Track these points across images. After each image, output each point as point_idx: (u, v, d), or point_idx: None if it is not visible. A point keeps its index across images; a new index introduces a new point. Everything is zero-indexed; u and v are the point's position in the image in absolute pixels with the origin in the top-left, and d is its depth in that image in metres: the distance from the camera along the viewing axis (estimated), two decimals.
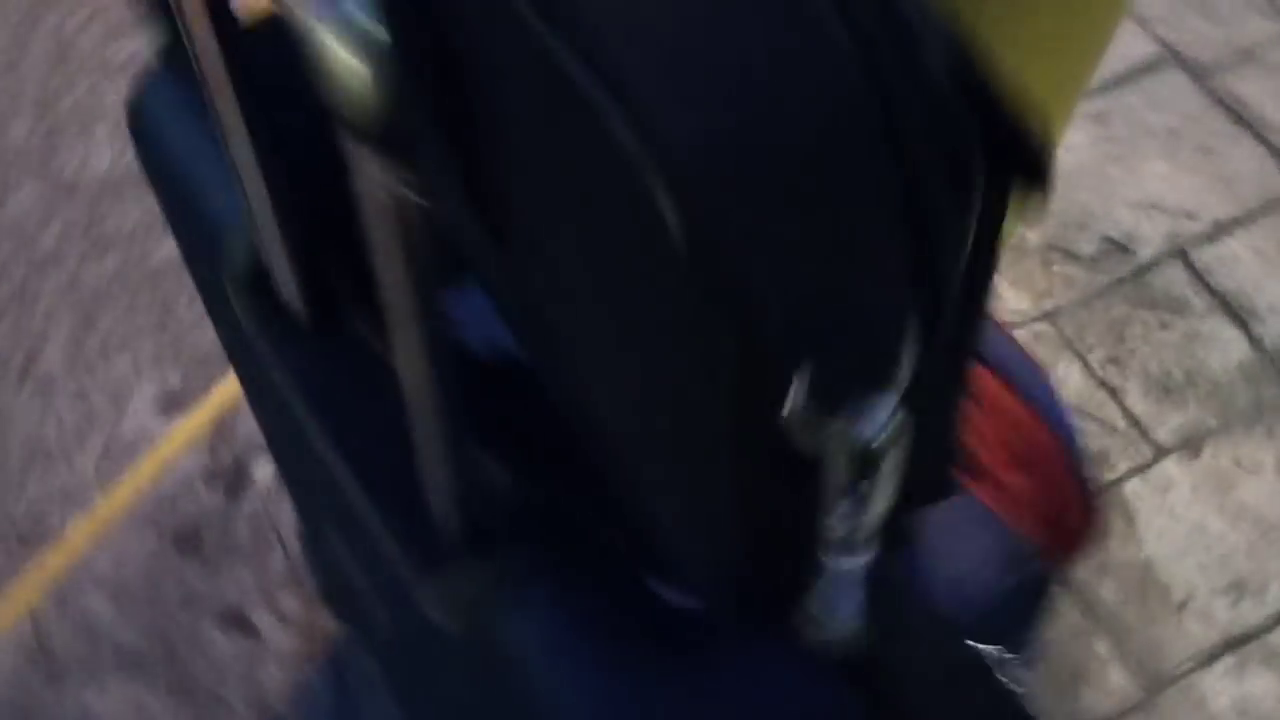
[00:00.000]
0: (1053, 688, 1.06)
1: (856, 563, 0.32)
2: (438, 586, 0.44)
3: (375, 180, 0.30)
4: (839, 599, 0.32)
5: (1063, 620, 1.09)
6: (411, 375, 0.37)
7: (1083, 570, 1.11)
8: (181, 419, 1.24)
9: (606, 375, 0.35)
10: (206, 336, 1.27)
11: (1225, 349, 1.24)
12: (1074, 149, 1.35)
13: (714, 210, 0.25)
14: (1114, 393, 1.21)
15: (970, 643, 0.39)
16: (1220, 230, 1.31)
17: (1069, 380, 1.22)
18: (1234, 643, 1.09)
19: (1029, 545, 0.44)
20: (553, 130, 0.29)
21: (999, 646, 0.43)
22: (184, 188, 0.58)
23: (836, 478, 0.28)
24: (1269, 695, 1.06)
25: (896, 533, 0.39)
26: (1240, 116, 1.38)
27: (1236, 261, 1.29)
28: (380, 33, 0.27)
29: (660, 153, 0.25)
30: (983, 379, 0.48)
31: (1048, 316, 1.25)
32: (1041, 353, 1.23)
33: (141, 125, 0.58)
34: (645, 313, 0.29)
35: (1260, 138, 1.37)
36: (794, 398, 0.26)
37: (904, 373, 0.28)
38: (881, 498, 0.29)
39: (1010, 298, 1.26)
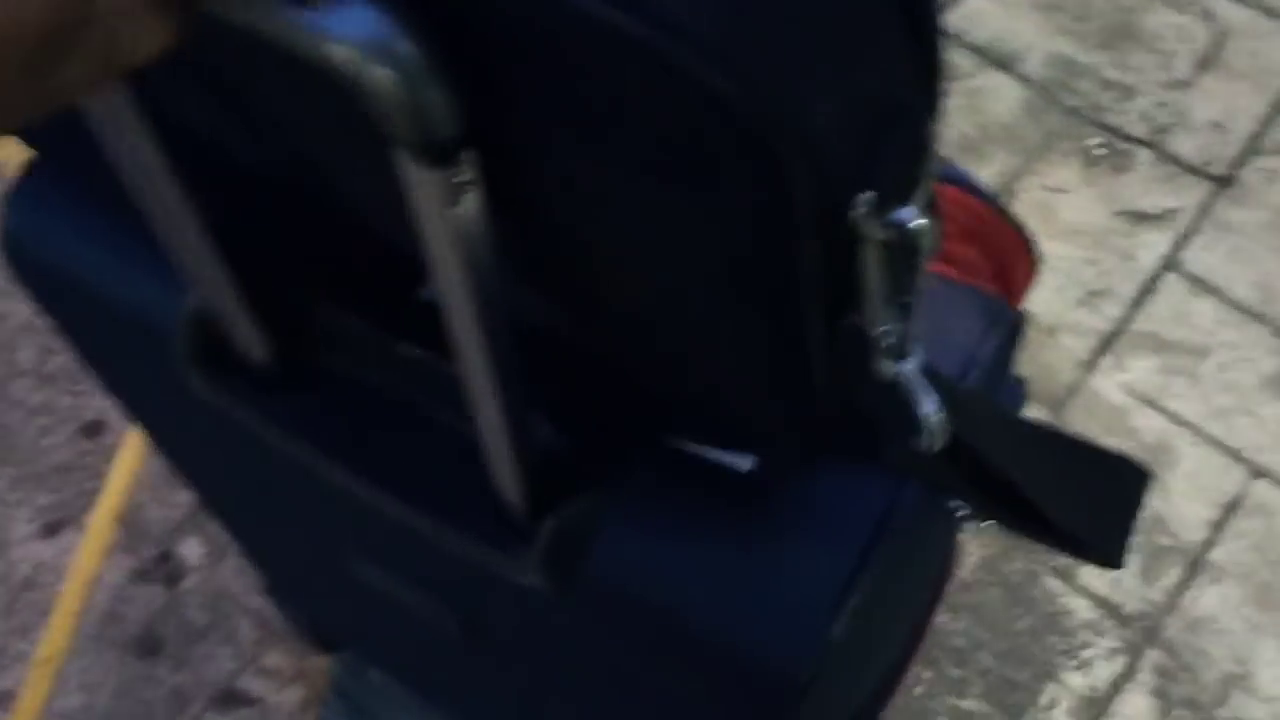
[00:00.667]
0: None
1: (915, 364, 0.36)
2: (527, 556, 0.46)
3: (432, 194, 0.31)
4: (921, 399, 0.36)
5: None
6: (474, 364, 0.38)
7: None
8: (74, 534, 1.19)
9: (657, 261, 0.36)
10: (57, 449, 1.22)
11: (1002, 95, 1.35)
12: None
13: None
14: None
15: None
16: None
17: None
18: (1106, 340, 1.21)
19: (997, 300, 0.50)
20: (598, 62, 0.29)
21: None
22: (84, 290, 0.56)
23: (884, 280, 0.32)
24: (1148, 371, 1.20)
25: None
26: None
27: (982, 15, 1.40)
28: (407, 44, 0.28)
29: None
30: None
31: None
32: None
33: (17, 243, 0.55)
34: (706, 193, 0.31)
35: None
36: (863, 209, 0.30)
37: (930, 168, 0.32)
38: (918, 296, 0.33)
39: None
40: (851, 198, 0.30)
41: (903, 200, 0.31)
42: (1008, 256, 0.52)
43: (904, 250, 0.32)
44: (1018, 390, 0.53)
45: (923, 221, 0.31)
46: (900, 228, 0.31)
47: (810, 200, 0.29)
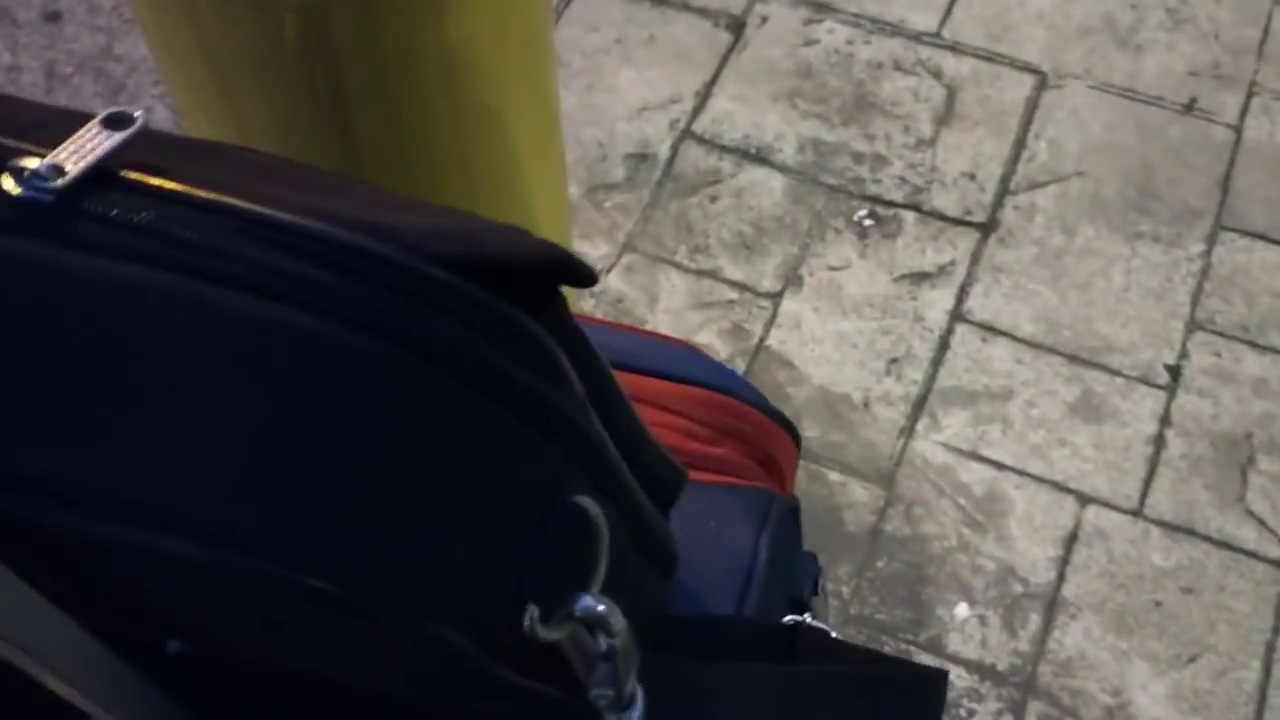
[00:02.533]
0: (816, 535, 1.17)
1: (636, 713, 0.34)
2: None
3: None
4: None
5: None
6: None
7: None
8: None
9: None
10: None
11: (766, 188, 1.38)
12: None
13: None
14: (713, 274, 1.32)
15: (788, 620, 0.44)
16: (702, 98, 1.44)
17: (676, 287, 1.31)
18: (917, 404, 1.24)
19: (766, 493, 0.49)
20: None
21: (793, 614, 0.48)
22: None
23: (582, 655, 0.31)
24: (963, 425, 1.23)
25: (664, 556, 0.42)
26: (661, 0, 1.52)
27: (729, 115, 1.43)
28: None
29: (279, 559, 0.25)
30: (646, 383, 0.53)
31: (627, 248, 1.34)
32: (641, 279, 1.32)
33: None
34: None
35: (684, 6, 1.51)
36: (528, 621, 0.29)
37: (603, 559, 0.31)
38: (625, 652, 0.32)
39: (589, 250, 1.33)
40: (518, 614, 0.29)
41: (581, 586, 0.31)
42: (768, 442, 0.52)
43: (595, 626, 0.31)
44: (811, 568, 0.52)
45: (600, 609, 0.31)
46: (583, 616, 0.30)
47: (464, 643, 0.28)
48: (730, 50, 1.48)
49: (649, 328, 1.29)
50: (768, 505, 0.49)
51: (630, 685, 0.32)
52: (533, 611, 0.29)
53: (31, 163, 0.27)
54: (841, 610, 1.13)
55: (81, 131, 0.28)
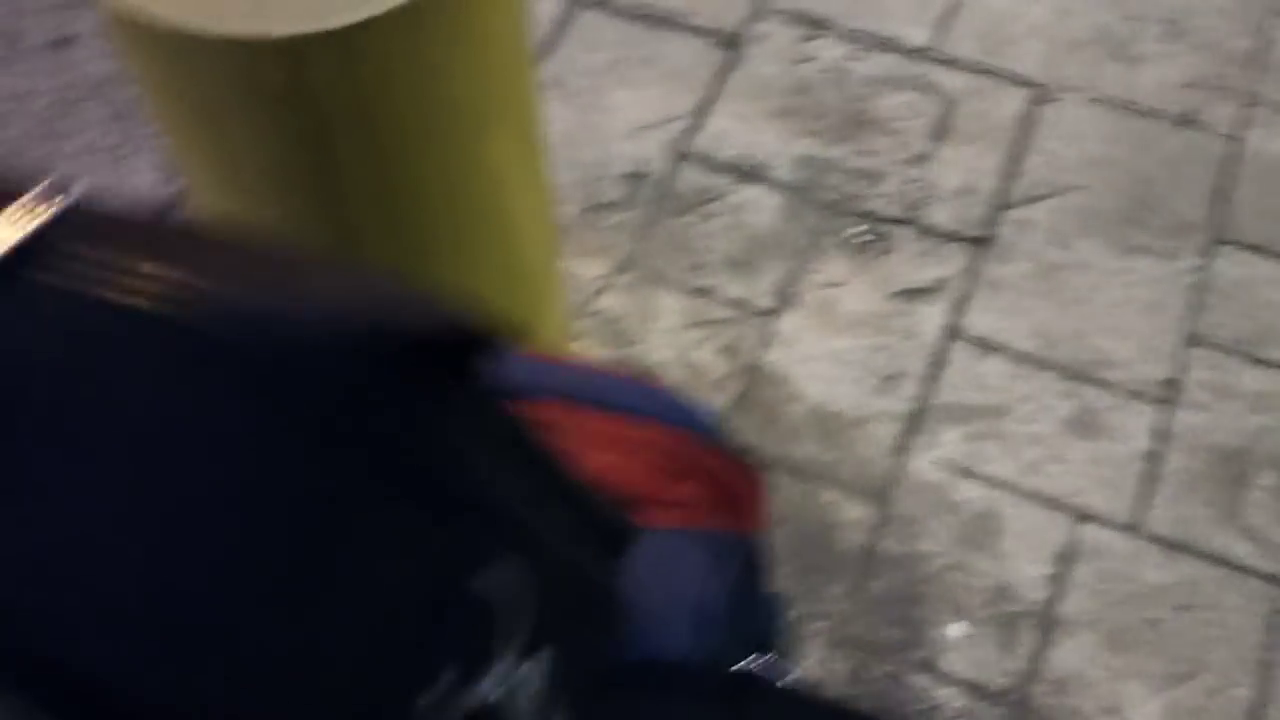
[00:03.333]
0: (809, 552, 1.17)
1: None
2: None
3: None
4: None
5: (785, 494, 1.20)
6: None
7: (773, 444, 1.22)
8: None
9: None
10: None
11: (761, 206, 1.39)
12: (554, 119, 1.44)
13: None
14: (709, 293, 1.32)
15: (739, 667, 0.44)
16: (699, 116, 1.45)
17: (672, 306, 1.32)
18: (912, 422, 1.24)
19: (727, 535, 0.50)
20: None
21: (756, 654, 0.49)
22: None
23: None
24: (957, 441, 1.23)
25: (606, 611, 0.43)
26: (654, 17, 1.53)
27: (726, 134, 1.44)
28: None
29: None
30: (605, 423, 0.53)
31: (624, 267, 1.35)
32: (637, 299, 1.32)
33: None
34: None
35: (679, 26, 1.52)
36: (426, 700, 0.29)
37: (508, 640, 0.31)
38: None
39: (585, 269, 1.34)
40: (410, 697, 0.29)
41: (482, 669, 0.30)
42: (730, 482, 0.52)
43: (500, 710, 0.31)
44: (774, 607, 0.52)
45: (499, 691, 0.30)
46: (477, 707, 0.30)
47: None
48: (726, 69, 1.49)
49: (645, 347, 1.29)
50: (728, 548, 0.50)
51: None
52: (425, 700, 0.29)
53: None
54: (834, 630, 1.13)
55: (18, 201, 0.29)
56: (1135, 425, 1.23)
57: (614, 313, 1.32)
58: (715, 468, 0.50)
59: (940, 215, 1.37)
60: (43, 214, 0.29)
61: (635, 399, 0.53)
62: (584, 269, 1.34)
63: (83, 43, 1.58)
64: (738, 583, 0.48)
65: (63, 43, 1.60)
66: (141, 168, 1.47)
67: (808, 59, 1.49)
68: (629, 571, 0.46)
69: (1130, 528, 1.17)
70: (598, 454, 0.52)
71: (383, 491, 0.28)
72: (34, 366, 0.26)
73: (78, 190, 0.30)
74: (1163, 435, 1.22)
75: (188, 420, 0.26)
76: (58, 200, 0.30)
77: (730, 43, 1.51)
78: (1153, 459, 1.20)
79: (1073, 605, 1.14)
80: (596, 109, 1.46)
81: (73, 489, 0.25)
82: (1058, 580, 1.15)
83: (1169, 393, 1.24)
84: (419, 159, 0.83)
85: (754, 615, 0.51)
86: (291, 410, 0.27)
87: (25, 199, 0.30)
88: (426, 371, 0.30)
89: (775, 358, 1.28)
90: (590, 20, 1.53)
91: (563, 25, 1.53)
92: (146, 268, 0.28)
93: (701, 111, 1.45)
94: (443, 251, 0.87)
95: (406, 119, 0.79)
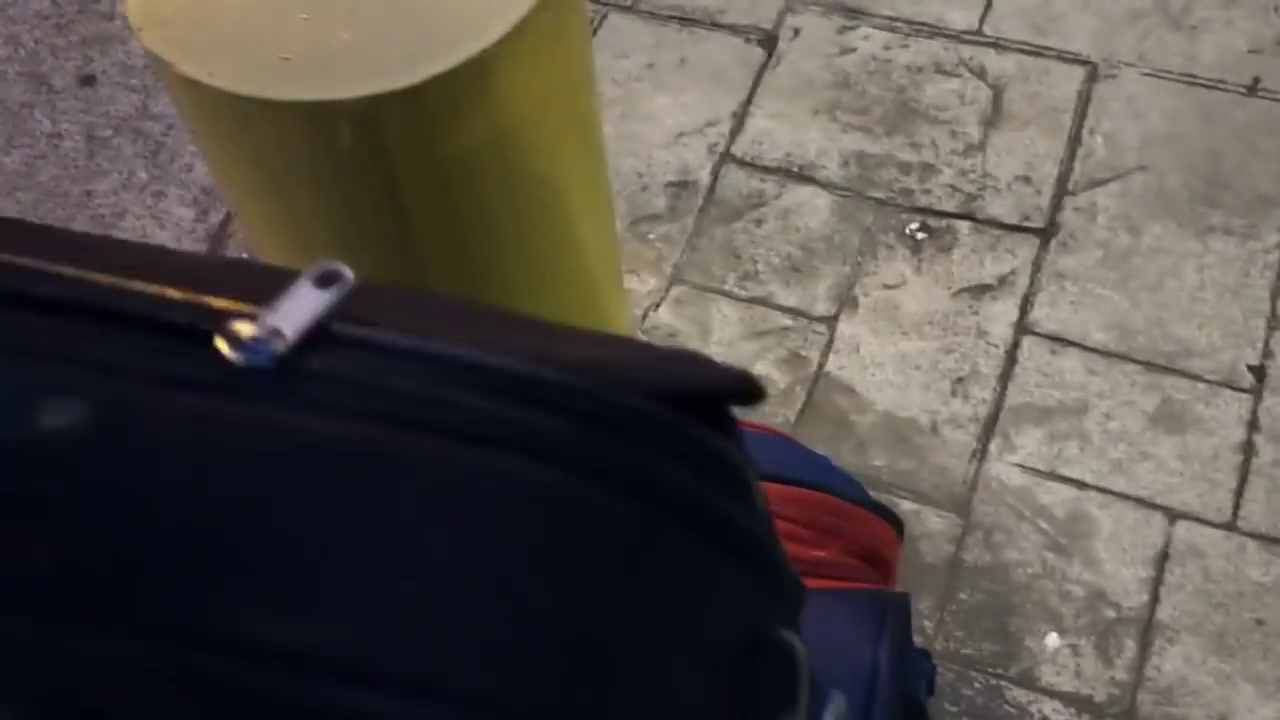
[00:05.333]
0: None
1: None
2: None
3: None
4: None
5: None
6: None
7: (846, 456, 1.18)
8: None
9: None
10: None
11: (813, 207, 1.34)
12: None
13: None
14: (765, 301, 1.28)
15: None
16: (739, 118, 1.40)
17: (728, 317, 1.27)
18: (987, 425, 1.19)
19: (876, 595, 0.46)
20: None
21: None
22: None
23: None
24: (1037, 443, 1.17)
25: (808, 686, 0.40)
26: (687, 17, 1.48)
27: (769, 134, 1.39)
28: None
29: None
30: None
31: (674, 280, 1.30)
32: (692, 312, 1.28)
33: None
34: None
35: (713, 24, 1.47)
36: None
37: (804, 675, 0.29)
38: None
39: (637, 285, 1.30)
40: None
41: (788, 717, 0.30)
42: (871, 537, 0.48)
43: None
44: (924, 665, 0.48)
45: None
46: None
47: None
48: (764, 66, 1.44)
49: None
50: (882, 608, 0.46)
51: None
52: None
53: (247, 327, 0.26)
54: (926, 645, 1.09)
55: (292, 290, 0.28)
56: (1224, 416, 1.17)
57: (670, 328, 1.27)
58: (853, 526, 0.46)
59: (999, 206, 1.32)
60: (328, 295, 0.27)
61: (765, 454, 0.49)
62: (637, 284, 1.30)
63: (108, 79, 1.55)
64: (893, 645, 0.44)
65: (88, 80, 1.57)
66: (176, 203, 1.44)
67: (847, 50, 1.44)
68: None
69: (1228, 525, 1.12)
70: None
71: (703, 540, 0.27)
72: (351, 439, 0.25)
73: (350, 276, 0.28)
74: (1254, 425, 1.16)
75: (514, 484, 0.25)
76: (335, 286, 0.28)
77: (767, 39, 1.46)
78: (1246, 450, 1.15)
79: (1173, 609, 1.08)
80: (634, 117, 1.41)
81: (417, 555, 0.24)
82: (1155, 583, 1.09)
83: (1257, 379, 1.18)
84: (492, 214, 0.79)
85: (907, 675, 0.47)
86: (601, 467, 0.26)
87: (305, 280, 0.27)
88: (710, 420, 0.28)
89: (840, 366, 1.23)
90: (620, 24, 1.48)
91: (593, 31, 1.48)
92: (438, 346, 0.27)
93: (743, 113, 1.40)
94: (519, 298, 0.82)
95: (480, 177, 0.75)
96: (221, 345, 0.26)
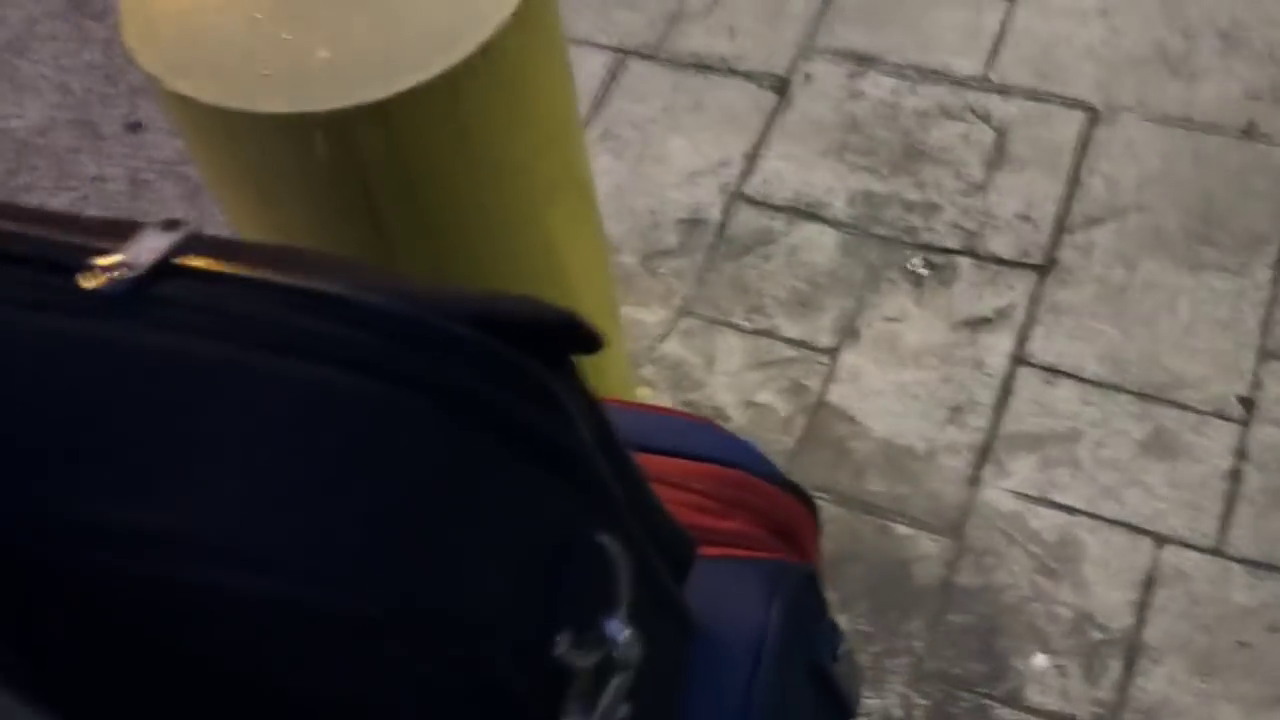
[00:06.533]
0: (885, 589, 1.16)
1: None
2: None
3: None
4: None
5: (858, 534, 1.20)
6: None
7: (843, 482, 1.22)
8: None
9: None
10: None
11: (818, 244, 1.39)
12: (607, 171, 1.47)
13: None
14: (770, 333, 1.33)
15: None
16: (751, 159, 1.47)
17: (734, 348, 1.33)
18: (983, 453, 1.23)
19: (776, 563, 0.51)
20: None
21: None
22: None
23: (581, 686, 0.33)
24: (1030, 470, 1.21)
25: (680, 615, 0.44)
26: (703, 64, 1.55)
27: (779, 174, 1.45)
28: None
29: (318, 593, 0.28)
30: (656, 462, 0.54)
31: (683, 312, 1.36)
32: (699, 343, 1.34)
33: None
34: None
35: (729, 71, 1.54)
36: (560, 648, 0.31)
37: (624, 577, 0.33)
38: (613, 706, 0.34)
39: (646, 317, 1.36)
40: (548, 639, 0.32)
41: (607, 613, 0.33)
42: (781, 513, 0.53)
43: (615, 664, 0.33)
44: (831, 635, 0.53)
45: (625, 633, 0.33)
46: (606, 643, 0.33)
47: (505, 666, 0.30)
48: (776, 110, 1.50)
49: (709, 390, 1.30)
50: (779, 574, 0.50)
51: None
52: (564, 638, 0.31)
53: (104, 261, 0.32)
54: (915, 665, 1.12)
55: (142, 233, 0.33)
56: (1213, 445, 1.20)
57: (677, 358, 1.33)
58: (763, 500, 0.51)
59: (1000, 243, 1.37)
60: (172, 237, 0.32)
61: (683, 436, 0.54)
62: (645, 316, 1.36)
63: (154, 126, 1.65)
64: (789, 610, 0.49)
65: (135, 127, 1.68)
66: None
67: (857, 95, 1.50)
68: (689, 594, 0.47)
69: (1214, 550, 1.14)
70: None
71: (511, 450, 0.31)
72: (193, 353, 0.30)
73: (190, 223, 0.34)
74: (1242, 454, 1.19)
75: (337, 392, 0.29)
76: (178, 230, 0.33)
77: (779, 84, 1.53)
78: (1233, 478, 1.18)
79: (1159, 631, 1.11)
80: (649, 158, 1.49)
81: (246, 449, 0.29)
82: (1142, 606, 1.12)
83: (1246, 410, 1.21)
84: (467, 226, 0.85)
85: (811, 643, 0.52)
86: (427, 381, 0.30)
87: (150, 226, 0.33)
88: (539, 349, 0.32)
89: (840, 395, 1.28)
90: (640, 70, 1.56)
91: (613, 77, 1.56)
92: (274, 276, 0.32)
93: (754, 154, 1.47)
94: None
95: (452, 187, 0.81)
96: (83, 277, 0.31)
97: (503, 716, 0.32)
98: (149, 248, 0.32)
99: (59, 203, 1.59)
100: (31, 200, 1.64)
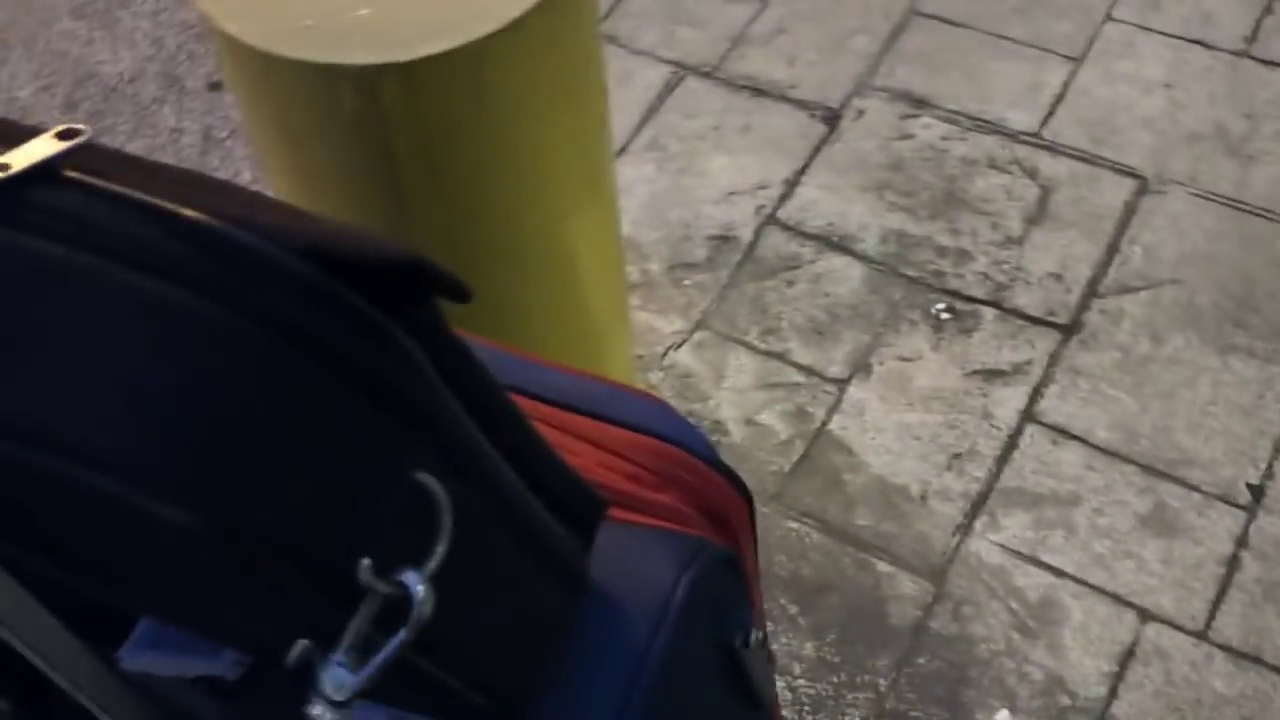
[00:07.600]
0: (857, 622, 1.15)
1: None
2: None
3: None
4: None
5: (839, 565, 1.18)
6: None
7: (832, 512, 1.21)
8: None
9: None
10: None
11: (845, 276, 1.39)
12: (648, 180, 1.48)
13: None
14: (782, 356, 1.33)
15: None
16: (790, 185, 1.47)
17: (744, 366, 1.32)
18: (977, 503, 1.21)
19: (697, 539, 0.50)
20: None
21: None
22: None
23: (362, 629, 0.33)
24: (1023, 527, 1.19)
25: (560, 563, 0.44)
26: (758, 88, 1.56)
27: (816, 203, 1.45)
28: None
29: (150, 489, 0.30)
30: (597, 428, 0.54)
31: (700, 325, 1.36)
32: (710, 356, 1.33)
33: None
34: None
35: (782, 97, 1.55)
36: (362, 573, 0.33)
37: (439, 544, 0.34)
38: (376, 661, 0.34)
39: (662, 325, 1.36)
40: (352, 564, 0.33)
41: (414, 563, 0.34)
42: (714, 495, 0.53)
43: (401, 609, 0.34)
44: (745, 619, 0.52)
45: (419, 589, 0.34)
46: (401, 587, 0.34)
47: (295, 573, 0.32)
48: (824, 141, 1.50)
49: (713, 404, 1.30)
50: (697, 549, 0.50)
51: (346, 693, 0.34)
52: (366, 564, 0.32)
53: None
54: (876, 703, 1.10)
55: (35, 139, 0.35)
56: (1214, 528, 1.17)
57: (686, 368, 1.33)
58: (698, 480, 0.51)
59: (1027, 298, 1.35)
60: (61, 146, 0.34)
61: (633, 410, 0.54)
62: (662, 324, 1.36)
63: None
64: (700, 584, 0.49)
65: (217, 86, 1.73)
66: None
67: (906, 136, 1.50)
68: (593, 552, 0.47)
69: (1200, 633, 1.11)
70: (578, 447, 0.54)
71: (336, 381, 0.33)
72: (48, 255, 0.32)
73: (86, 133, 0.35)
74: (1243, 541, 1.16)
75: (176, 306, 0.32)
76: (72, 140, 0.34)
77: (831, 116, 1.53)
78: (1230, 565, 1.14)
79: (1130, 707, 1.08)
80: (691, 172, 1.49)
81: (87, 352, 0.31)
82: (1116, 679, 1.09)
83: (1254, 498, 1.18)
84: (479, 195, 0.87)
85: (723, 623, 0.51)
86: (258, 305, 0.32)
87: (49, 133, 0.34)
88: (375, 288, 0.34)
89: (842, 426, 1.27)
90: (696, 87, 1.57)
91: (669, 90, 1.57)
92: (143, 196, 0.33)
93: (795, 180, 1.47)
94: (507, 284, 0.90)
95: (469, 155, 0.83)
96: None
97: (296, 632, 0.33)
98: (31, 153, 0.34)
99: (134, 147, 1.64)
100: (108, 144, 1.69)
